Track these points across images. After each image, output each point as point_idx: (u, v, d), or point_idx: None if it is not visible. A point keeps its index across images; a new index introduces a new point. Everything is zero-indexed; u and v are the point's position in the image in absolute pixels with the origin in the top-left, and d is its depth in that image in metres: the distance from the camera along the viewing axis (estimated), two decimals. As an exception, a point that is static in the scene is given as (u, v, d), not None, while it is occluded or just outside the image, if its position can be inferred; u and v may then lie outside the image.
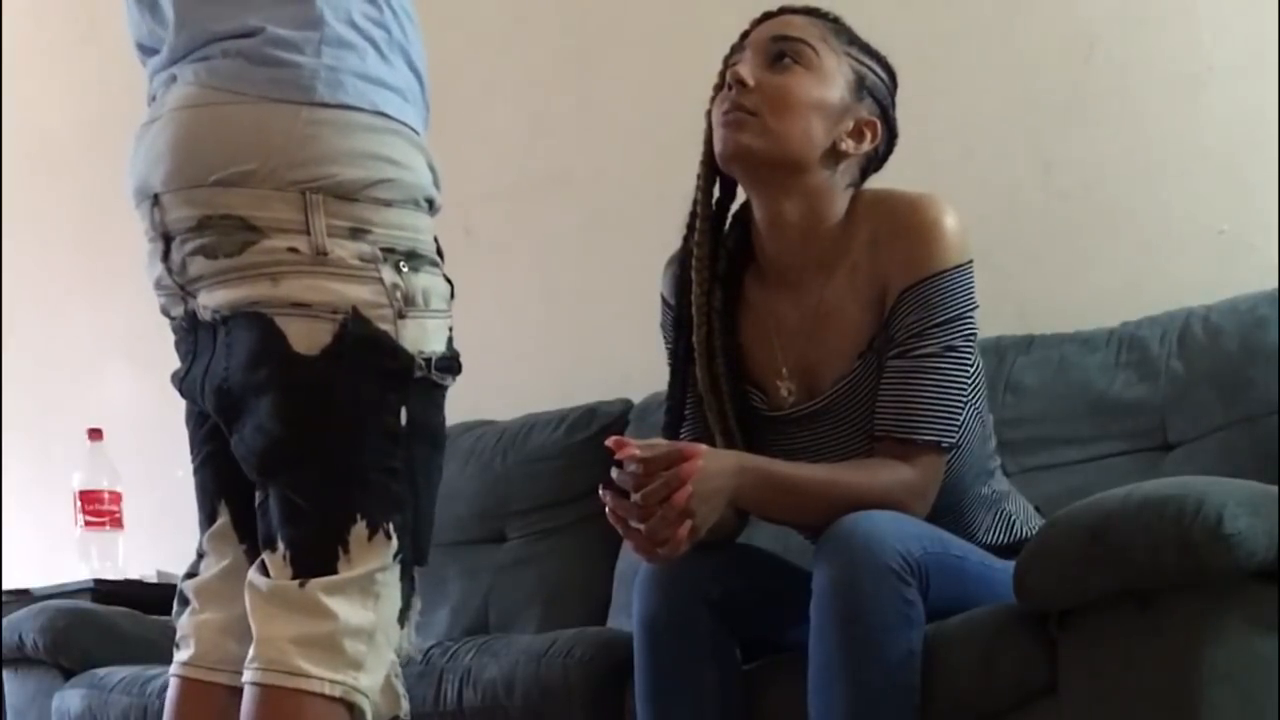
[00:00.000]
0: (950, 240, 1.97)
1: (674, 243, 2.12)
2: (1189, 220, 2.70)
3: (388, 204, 1.61)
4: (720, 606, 1.96)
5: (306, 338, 1.58)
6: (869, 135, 2.05)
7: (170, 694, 1.76)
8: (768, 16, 2.09)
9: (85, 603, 3.13)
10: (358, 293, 1.59)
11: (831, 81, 2.03)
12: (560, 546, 2.98)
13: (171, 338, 1.76)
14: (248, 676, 1.59)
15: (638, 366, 2.82)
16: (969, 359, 1.99)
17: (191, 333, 1.70)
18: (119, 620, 2.98)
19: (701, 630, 1.96)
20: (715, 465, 1.87)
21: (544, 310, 3.42)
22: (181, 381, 1.73)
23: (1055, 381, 2.55)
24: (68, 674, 2.87)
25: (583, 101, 3.39)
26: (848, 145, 2.04)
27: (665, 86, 3.15)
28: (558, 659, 2.25)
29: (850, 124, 2.04)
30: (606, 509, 1.89)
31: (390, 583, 1.61)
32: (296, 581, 1.58)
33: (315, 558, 1.59)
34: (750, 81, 2.01)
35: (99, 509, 3.58)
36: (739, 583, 2.00)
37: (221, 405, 1.65)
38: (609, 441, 1.89)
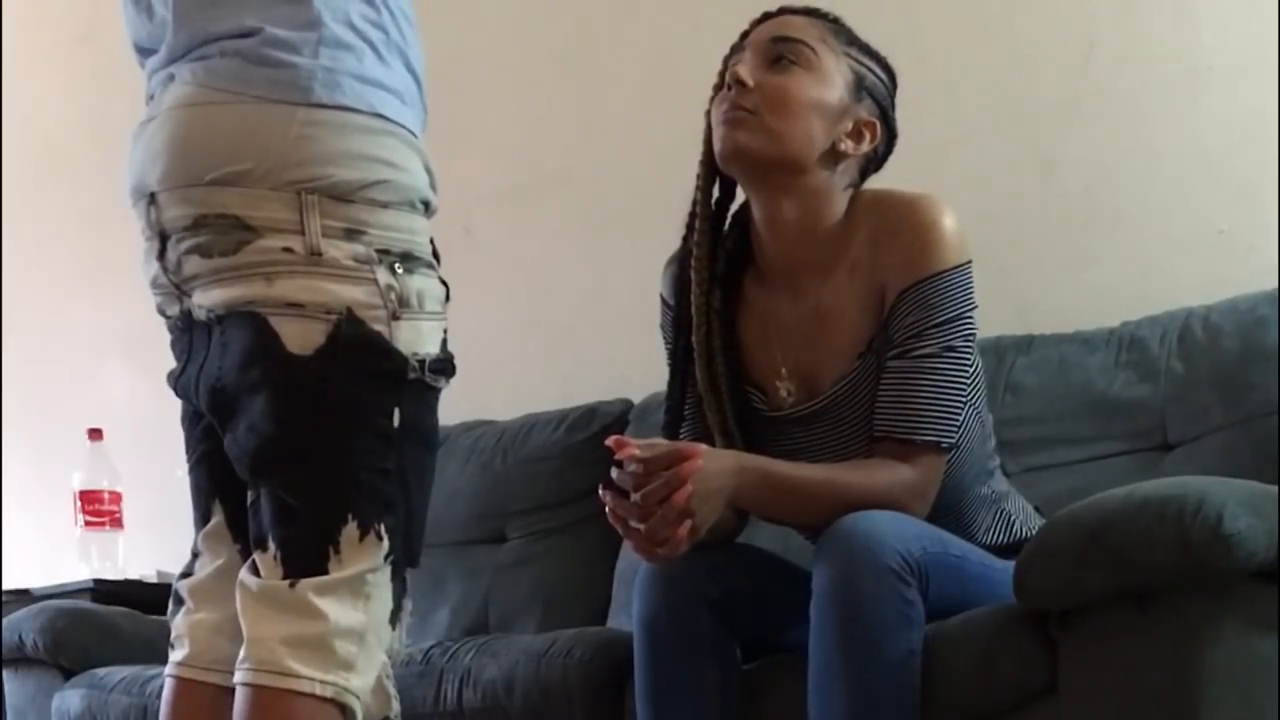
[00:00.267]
0: (949, 240, 1.97)
1: (674, 243, 2.12)
2: (1189, 220, 2.70)
3: (383, 205, 1.61)
4: (720, 606, 1.96)
5: (300, 338, 1.58)
6: (868, 136, 2.05)
7: (165, 694, 1.77)
8: (767, 17, 2.09)
9: (85, 603, 3.13)
10: (352, 293, 1.58)
11: (830, 82, 2.03)
12: (560, 546, 2.97)
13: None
14: (239, 677, 1.59)
15: (638, 366, 2.82)
16: (968, 359, 1.99)
17: (186, 332, 1.70)
18: (119, 620, 2.98)
19: (701, 630, 1.96)
20: (715, 465, 1.88)
21: (544, 310, 3.42)
22: (176, 381, 1.73)
23: (1055, 381, 2.54)
24: (68, 674, 2.87)
25: (583, 101, 3.38)
26: (847, 146, 2.04)
27: (665, 86, 3.15)
28: (558, 659, 2.25)
29: (849, 124, 2.04)
30: (606, 509, 1.89)
31: (381, 584, 1.61)
32: (287, 582, 1.58)
33: (306, 558, 1.59)
34: (749, 82, 2.01)
35: (99, 509, 3.58)
36: (739, 583, 2.00)
37: (215, 405, 1.65)
38: (609, 441, 1.89)
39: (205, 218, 1.60)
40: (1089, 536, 1.73)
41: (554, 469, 3.04)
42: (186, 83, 1.63)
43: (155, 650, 2.69)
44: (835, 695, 1.81)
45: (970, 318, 1.98)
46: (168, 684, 1.77)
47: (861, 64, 2.06)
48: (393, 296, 1.60)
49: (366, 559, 1.60)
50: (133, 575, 3.50)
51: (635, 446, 1.87)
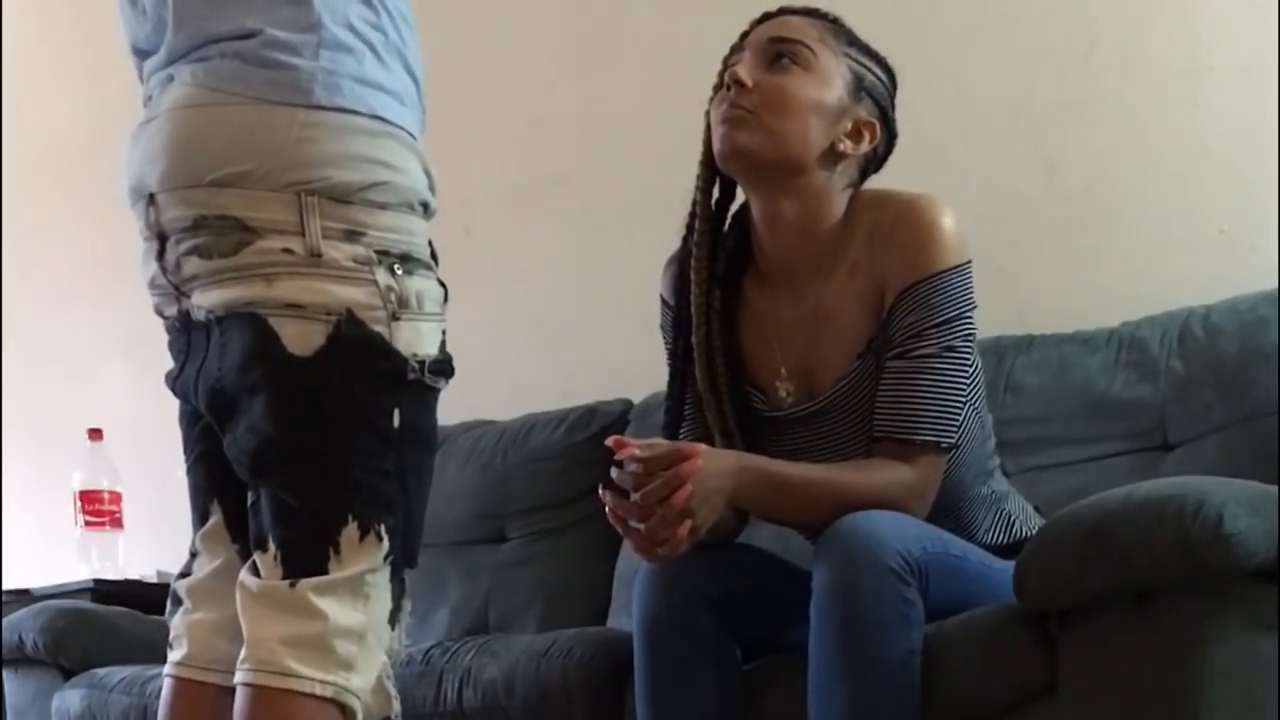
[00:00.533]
0: (948, 241, 1.97)
1: (674, 243, 2.12)
2: (1189, 220, 2.70)
3: (382, 207, 1.61)
4: (720, 606, 1.96)
5: (300, 339, 1.58)
6: (867, 136, 2.05)
7: (164, 694, 1.77)
8: (767, 17, 2.09)
9: (85, 603, 3.13)
10: (352, 294, 1.59)
11: (830, 82, 2.03)
12: (560, 546, 2.97)
13: (171, 337, 1.76)
14: (239, 677, 1.60)
15: (638, 366, 2.81)
16: (968, 359, 1.99)
17: (185, 333, 1.70)
18: (119, 620, 2.98)
19: (701, 630, 1.96)
20: (715, 465, 1.88)
21: (544, 310, 3.42)
22: (175, 381, 1.73)
23: (1055, 381, 2.54)
24: (68, 674, 2.87)
25: (583, 101, 3.38)
26: (846, 146, 2.04)
27: (665, 86, 3.15)
28: (558, 659, 2.25)
29: (848, 125, 2.04)
30: (606, 509, 1.89)
31: (380, 584, 1.61)
32: (287, 582, 1.59)
33: (306, 558, 1.59)
34: (749, 82, 2.01)
35: (99, 509, 3.58)
36: (739, 582, 2.00)
37: (214, 405, 1.65)
38: (609, 441, 1.89)
39: (205, 219, 1.60)
40: (1089, 536, 1.73)
41: (554, 469, 3.04)
42: (186, 84, 1.63)
43: (155, 650, 2.69)
44: (835, 695, 1.81)
45: (970, 318, 1.98)
46: (166, 684, 1.77)
47: (861, 64, 2.06)
48: (392, 297, 1.60)
49: (366, 559, 1.60)
50: (133, 575, 3.50)
51: (635, 446, 1.87)
